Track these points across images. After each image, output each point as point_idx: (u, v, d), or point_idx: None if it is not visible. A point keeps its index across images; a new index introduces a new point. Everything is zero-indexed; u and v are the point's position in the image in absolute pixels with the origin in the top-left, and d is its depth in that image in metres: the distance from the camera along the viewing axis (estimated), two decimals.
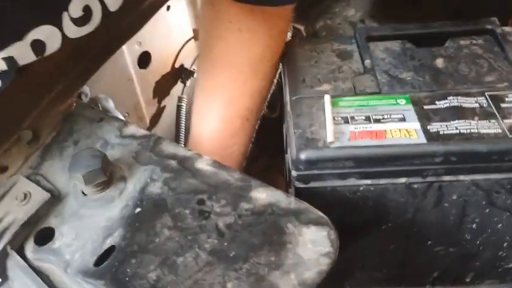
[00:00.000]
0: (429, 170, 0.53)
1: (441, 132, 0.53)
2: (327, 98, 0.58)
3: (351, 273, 0.66)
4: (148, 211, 0.49)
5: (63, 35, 0.50)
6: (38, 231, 0.52)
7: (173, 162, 0.54)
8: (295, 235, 0.45)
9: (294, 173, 0.54)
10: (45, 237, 0.52)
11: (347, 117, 0.56)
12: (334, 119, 0.56)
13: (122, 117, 0.73)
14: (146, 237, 0.46)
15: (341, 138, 0.54)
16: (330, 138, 0.53)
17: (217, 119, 0.68)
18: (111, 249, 0.46)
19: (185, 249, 0.44)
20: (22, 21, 0.46)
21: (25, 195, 0.54)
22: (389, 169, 0.53)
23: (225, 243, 0.45)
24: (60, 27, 0.49)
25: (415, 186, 0.55)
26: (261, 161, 1.20)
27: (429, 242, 0.61)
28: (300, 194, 0.55)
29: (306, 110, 0.58)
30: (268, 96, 0.73)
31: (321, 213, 0.47)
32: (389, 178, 0.54)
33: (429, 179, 0.54)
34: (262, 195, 0.49)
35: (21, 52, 0.47)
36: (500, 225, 0.59)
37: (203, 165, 0.54)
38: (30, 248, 0.51)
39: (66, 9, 0.49)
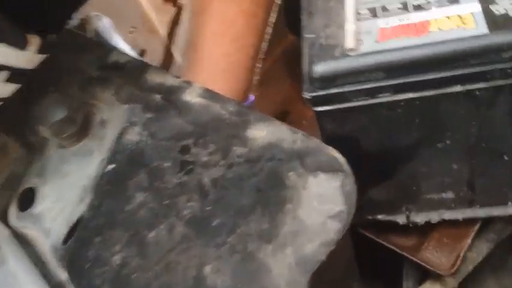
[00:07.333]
0: (495, 71, 0.37)
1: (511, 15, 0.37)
2: None
3: (410, 197, 0.54)
4: (123, 168, 0.40)
5: None
6: (21, 193, 0.46)
7: (158, 97, 0.44)
8: (298, 189, 0.34)
9: (306, 95, 0.41)
10: (28, 200, 0.45)
11: (375, 9, 0.41)
12: (357, 13, 0.41)
13: (119, 38, 0.62)
14: (116, 205, 0.37)
15: (366, 40, 0.39)
16: (349, 42, 0.39)
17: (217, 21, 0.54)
18: (79, 221, 0.38)
19: (159, 219, 0.35)
20: None
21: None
22: (437, 76, 0.38)
23: (208, 208, 0.35)
24: None
25: (477, 93, 0.39)
26: (288, 40, 1.04)
27: (505, 157, 0.46)
28: (321, 119, 0.43)
29: (322, 5, 0.43)
30: None
31: (335, 154, 0.35)
32: (438, 88, 0.39)
33: (496, 82, 0.38)
34: (262, 133, 0.38)
35: None
36: None
37: (192, 96, 0.43)
38: (13, 214, 0.45)
39: None
